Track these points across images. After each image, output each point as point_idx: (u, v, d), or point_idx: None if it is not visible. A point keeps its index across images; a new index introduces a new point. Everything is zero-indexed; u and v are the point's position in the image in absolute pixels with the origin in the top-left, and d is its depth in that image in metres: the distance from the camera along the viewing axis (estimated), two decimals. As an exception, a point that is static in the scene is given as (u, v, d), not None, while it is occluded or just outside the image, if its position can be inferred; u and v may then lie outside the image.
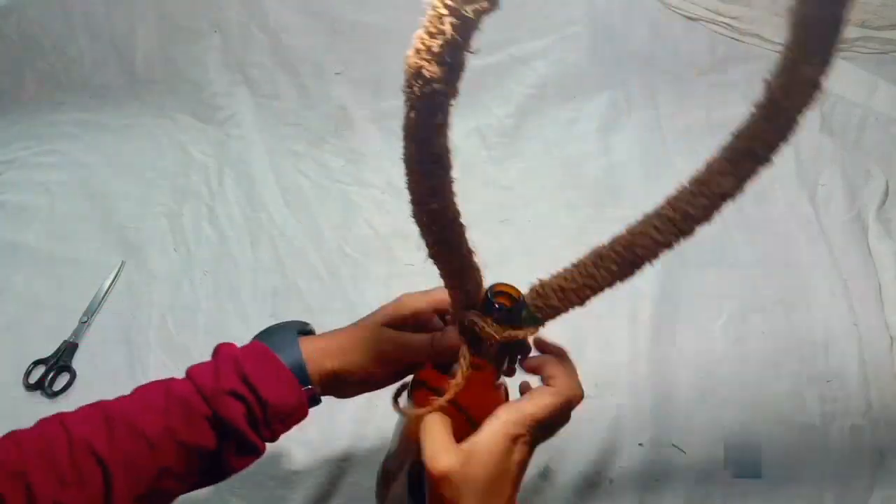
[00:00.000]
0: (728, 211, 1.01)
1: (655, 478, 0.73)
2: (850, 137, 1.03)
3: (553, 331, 0.85)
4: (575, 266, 0.46)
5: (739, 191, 0.38)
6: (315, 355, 0.50)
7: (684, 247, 0.95)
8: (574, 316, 0.88)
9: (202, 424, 0.46)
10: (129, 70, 1.09)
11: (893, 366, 0.80)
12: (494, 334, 0.45)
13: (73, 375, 0.80)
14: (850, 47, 1.12)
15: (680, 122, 1.04)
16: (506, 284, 0.47)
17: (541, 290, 0.47)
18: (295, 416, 0.50)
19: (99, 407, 0.46)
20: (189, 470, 0.47)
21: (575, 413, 0.77)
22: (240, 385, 0.46)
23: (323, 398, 0.52)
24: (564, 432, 0.77)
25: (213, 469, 0.48)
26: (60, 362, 0.81)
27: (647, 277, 0.87)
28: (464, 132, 1.01)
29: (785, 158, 0.99)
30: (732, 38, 1.13)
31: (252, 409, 0.47)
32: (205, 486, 0.49)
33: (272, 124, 1.05)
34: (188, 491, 0.48)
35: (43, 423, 0.45)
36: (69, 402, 0.80)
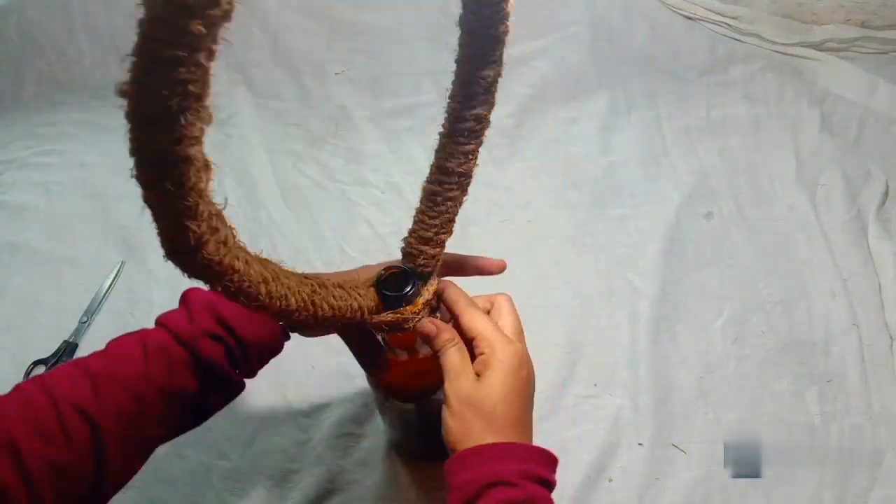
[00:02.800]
0: (728, 211, 1.01)
1: (655, 478, 0.73)
2: (850, 137, 1.03)
3: (553, 332, 0.85)
4: (422, 213, 0.48)
5: (499, 72, 0.43)
6: None
7: (684, 247, 0.95)
8: (574, 316, 0.88)
9: (183, 369, 0.47)
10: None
11: (893, 366, 0.80)
12: (410, 316, 0.48)
13: (73, 375, 0.80)
14: (850, 47, 1.12)
15: (680, 122, 1.04)
16: (389, 267, 0.50)
17: (413, 251, 0.49)
18: (271, 351, 0.52)
19: (77, 365, 0.47)
20: (173, 414, 0.48)
21: (575, 413, 0.77)
22: (216, 327, 0.48)
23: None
24: (564, 432, 0.78)
25: (196, 411, 0.50)
26: (60, 362, 0.81)
27: (647, 277, 0.87)
28: (464, 132, 1.01)
29: (785, 158, 0.99)
30: (732, 38, 1.13)
31: (230, 348, 0.48)
32: (189, 429, 0.51)
33: (272, 124, 1.05)
34: (172, 437, 0.50)
35: (21, 387, 0.45)
36: (69, 402, 0.80)
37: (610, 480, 0.73)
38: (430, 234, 0.48)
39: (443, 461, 0.47)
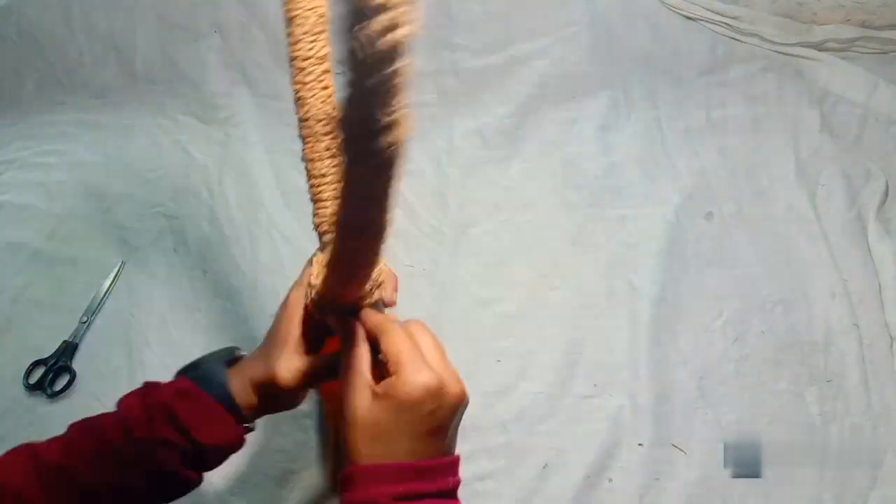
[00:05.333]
0: (728, 211, 1.01)
1: (655, 477, 0.73)
2: (850, 137, 1.03)
3: (553, 332, 0.85)
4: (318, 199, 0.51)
5: None
6: (244, 391, 0.51)
7: (684, 247, 0.95)
8: (574, 316, 0.88)
9: (137, 472, 0.47)
10: (129, 70, 1.08)
11: (893, 366, 0.80)
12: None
13: (73, 376, 0.80)
14: (850, 47, 1.12)
15: (680, 122, 1.04)
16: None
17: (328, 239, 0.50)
18: (231, 449, 0.52)
19: (30, 454, 0.46)
20: None
21: (575, 413, 0.77)
22: (173, 433, 0.47)
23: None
24: (564, 432, 0.78)
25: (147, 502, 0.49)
26: (60, 362, 0.81)
27: (648, 277, 0.87)
28: (464, 132, 1.01)
29: (785, 158, 0.99)
30: (732, 38, 1.13)
31: (186, 452, 0.47)
32: None
33: (272, 124, 1.05)
34: None
35: None
36: (69, 403, 0.80)
37: (610, 480, 0.73)
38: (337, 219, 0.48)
39: None
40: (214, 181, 0.97)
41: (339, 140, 0.41)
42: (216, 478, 0.72)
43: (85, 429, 0.48)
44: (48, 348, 0.82)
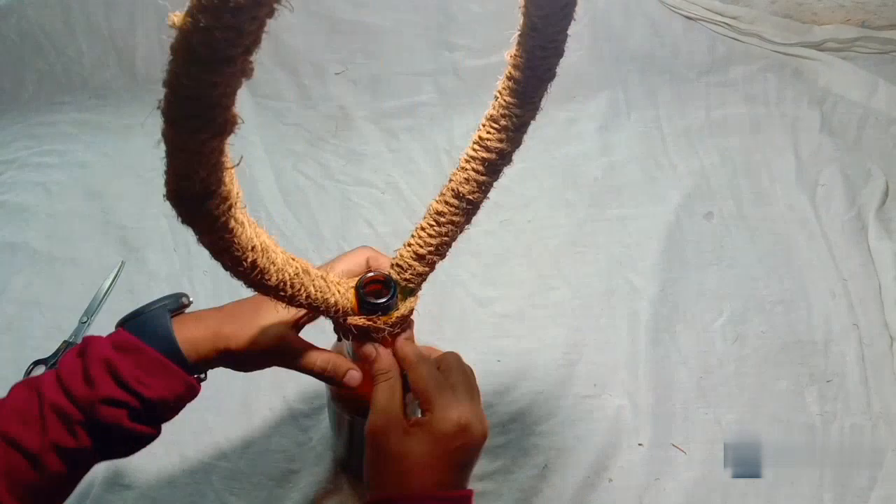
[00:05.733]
0: (728, 211, 1.01)
1: (655, 478, 0.73)
2: (850, 137, 1.03)
3: (553, 332, 0.85)
4: (422, 229, 0.48)
5: (533, 115, 0.43)
6: (195, 343, 0.48)
7: (684, 247, 0.95)
8: (574, 316, 0.88)
9: (81, 431, 0.44)
10: (129, 70, 1.09)
11: (893, 366, 0.80)
12: (383, 326, 0.47)
13: (73, 375, 0.80)
14: (850, 47, 1.12)
15: (680, 122, 1.04)
16: (373, 273, 0.49)
17: (403, 264, 0.49)
18: (185, 401, 0.48)
19: None
20: (76, 466, 0.46)
21: (575, 413, 0.77)
22: (117, 391, 0.44)
23: None
24: (564, 432, 0.78)
25: (104, 456, 0.47)
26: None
27: (648, 277, 0.87)
28: (464, 132, 1.01)
29: (785, 158, 0.99)
30: (732, 38, 1.13)
31: (133, 408, 0.45)
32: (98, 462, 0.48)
33: (272, 124, 1.05)
34: (73, 486, 0.48)
35: None
36: (69, 402, 0.80)
37: (610, 480, 0.73)
38: (423, 252, 0.48)
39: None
40: (214, 181, 0.97)
41: None
42: (216, 478, 0.72)
43: (22, 390, 0.46)
44: (48, 348, 0.82)
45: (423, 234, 0.48)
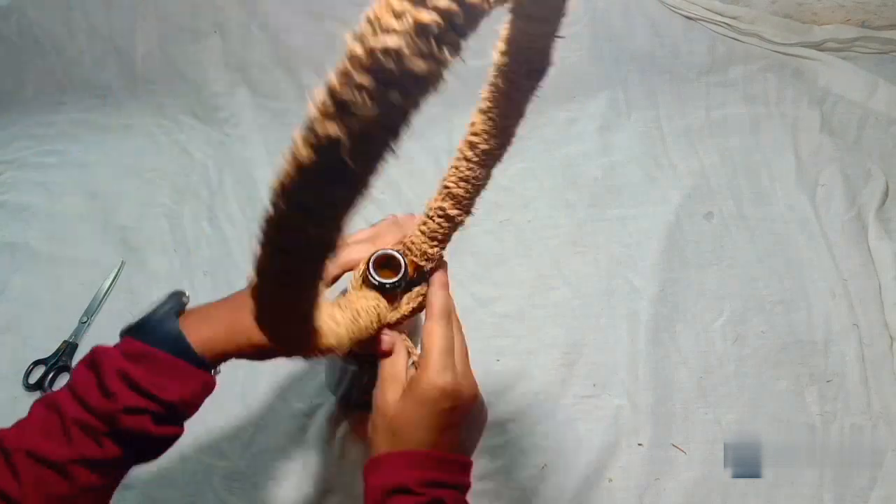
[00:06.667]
0: (728, 211, 1.01)
1: (655, 478, 0.73)
2: (850, 137, 1.03)
3: (553, 332, 0.85)
4: (433, 210, 0.50)
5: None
6: (207, 340, 0.48)
7: (684, 247, 0.95)
8: (574, 316, 0.88)
9: (108, 441, 0.44)
10: (129, 70, 1.08)
11: (893, 366, 0.80)
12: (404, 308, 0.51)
13: (73, 375, 0.80)
14: (850, 47, 1.12)
15: (680, 122, 1.04)
16: (384, 253, 0.51)
17: (412, 245, 0.51)
18: (203, 396, 0.49)
19: None
20: (108, 475, 0.46)
21: (575, 413, 0.77)
22: (137, 399, 0.44)
23: None
24: (564, 432, 0.78)
25: (136, 461, 0.48)
26: (60, 362, 0.81)
27: (647, 277, 0.87)
28: (464, 132, 1.01)
29: (785, 158, 0.99)
30: (732, 38, 1.13)
31: (156, 413, 0.45)
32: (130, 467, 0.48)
33: (272, 124, 1.05)
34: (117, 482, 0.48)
35: None
36: (69, 402, 0.80)
37: (610, 480, 0.73)
38: (438, 238, 0.50)
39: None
40: (214, 181, 0.97)
41: None
42: (216, 478, 0.72)
43: (41, 409, 0.46)
44: (48, 348, 0.82)
45: (434, 214, 0.50)
